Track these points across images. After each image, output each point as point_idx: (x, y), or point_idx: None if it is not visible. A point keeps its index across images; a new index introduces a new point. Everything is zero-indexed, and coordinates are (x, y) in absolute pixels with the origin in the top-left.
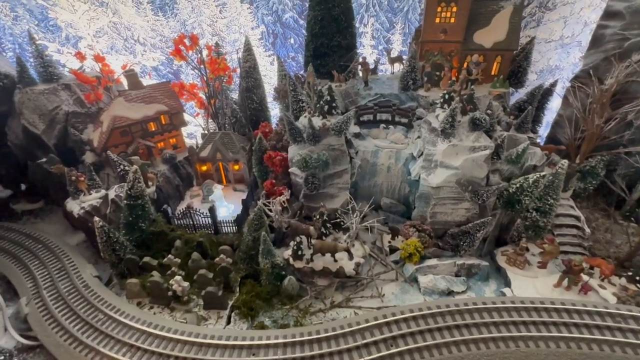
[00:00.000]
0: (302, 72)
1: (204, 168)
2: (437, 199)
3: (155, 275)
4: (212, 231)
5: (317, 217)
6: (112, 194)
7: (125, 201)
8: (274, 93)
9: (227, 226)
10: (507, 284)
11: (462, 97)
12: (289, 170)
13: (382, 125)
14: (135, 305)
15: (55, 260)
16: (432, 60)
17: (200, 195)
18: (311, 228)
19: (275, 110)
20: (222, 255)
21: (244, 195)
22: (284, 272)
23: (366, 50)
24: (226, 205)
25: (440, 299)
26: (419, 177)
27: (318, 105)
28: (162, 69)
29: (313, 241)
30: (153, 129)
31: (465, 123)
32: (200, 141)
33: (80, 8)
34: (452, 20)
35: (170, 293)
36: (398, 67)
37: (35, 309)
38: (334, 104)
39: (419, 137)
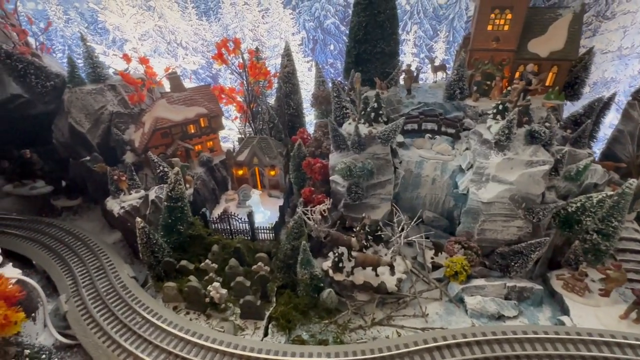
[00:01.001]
0: (339, 79)
1: (240, 172)
2: (487, 215)
3: (193, 281)
4: (249, 237)
5: (360, 228)
6: (152, 194)
7: (165, 203)
8: (312, 99)
9: (263, 233)
10: (565, 311)
11: (519, 108)
12: (330, 178)
13: (428, 135)
14: (171, 309)
15: (94, 259)
16: (482, 69)
17: (236, 200)
18: (353, 239)
19: (309, 117)
20: (259, 263)
21: (279, 202)
22: (322, 284)
23: (407, 58)
24: (262, 211)
25: (490, 323)
26: (468, 191)
27: (364, 112)
28: (201, 72)
29: (355, 253)
30: (192, 131)
31: (521, 136)
32: (234, 145)
33: (128, 12)
34: (506, 27)
35: (207, 300)
36: (441, 76)
37: (74, 307)
38: (380, 112)
39: (467, 148)
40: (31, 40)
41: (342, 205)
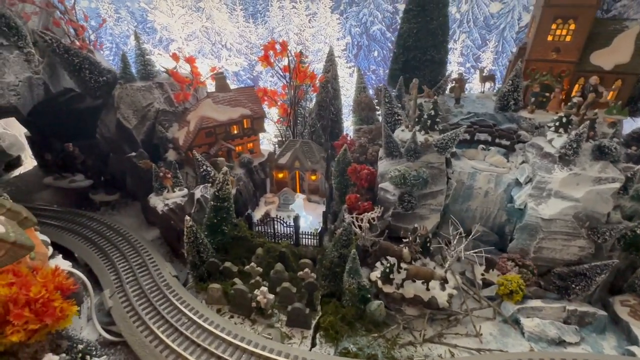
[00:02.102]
0: (380, 85)
1: (280, 175)
2: (547, 232)
3: (239, 283)
4: (293, 242)
5: (414, 239)
6: (197, 193)
7: (211, 202)
8: (354, 105)
9: (307, 238)
10: (632, 340)
11: (589, 122)
12: (380, 185)
13: (481, 146)
14: (215, 311)
15: (135, 255)
16: (540, 80)
17: (276, 203)
18: (405, 251)
19: (346, 122)
20: (306, 270)
21: (319, 206)
22: (369, 295)
23: (452, 66)
24: (304, 215)
25: (550, 349)
26: (525, 206)
27: (420, 119)
28: (242, 74)
29: (406, 265)
30: (235, 132)
31: (587, 151)
32: (275, 147)
33: (177, 12)
34: (568, 38)
35: (254, 304)
36: (488, 86)
37: (118, 303)
38: (437, 120)
39: (524, 161)
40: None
41: (390, 214)
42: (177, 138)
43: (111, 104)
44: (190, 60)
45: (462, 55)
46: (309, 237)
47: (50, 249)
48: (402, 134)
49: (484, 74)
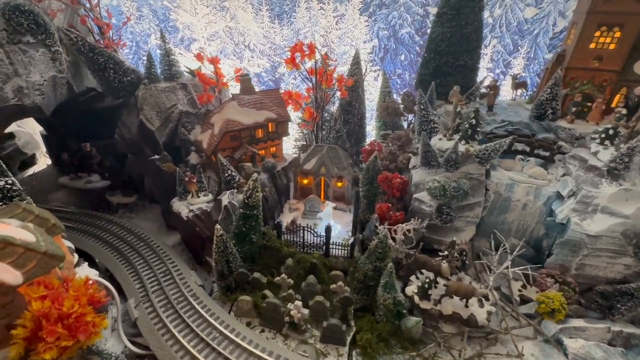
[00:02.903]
0: (407, 90)
1: (305, 181)
2: (591, 249)
3: (270, 296)
4: (323, 252)
5: (452, 253)
6: (225, 200)
7: (240, 210)
8: (380, 110)
9: (337, 249)
10: None
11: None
12: (414, 196)
13: (519, 156)
14: (244, 325)
15: (159, 262)
16: (581, 89)
17: (300, 210)
18: (444, 265)
19: (367, 127)
20: (340, 283)
21: (344, 215)
22: (404, 311)
23: (481, 72)
24: (332, 224)
25: None
26: (568, 221)
27: (458, 128)
28: (264, 75)
29: (446, 281)
30: (260, 136)
31: (636, 165)
32: (299, 153)
33: (201, 11)
34: (612, 46)
35: (286, 319)
36: (520, 94)
37: (144, 314)
38: (478, 129)
39: (565, 174)
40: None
41: (424, 225)
42: (200, 141)
43: (132, 105)
44: (214, 61)
45: (492, 61)
46: (340, 247)
47: (76, 257)
48: (439, 143)
49: (517, 81)
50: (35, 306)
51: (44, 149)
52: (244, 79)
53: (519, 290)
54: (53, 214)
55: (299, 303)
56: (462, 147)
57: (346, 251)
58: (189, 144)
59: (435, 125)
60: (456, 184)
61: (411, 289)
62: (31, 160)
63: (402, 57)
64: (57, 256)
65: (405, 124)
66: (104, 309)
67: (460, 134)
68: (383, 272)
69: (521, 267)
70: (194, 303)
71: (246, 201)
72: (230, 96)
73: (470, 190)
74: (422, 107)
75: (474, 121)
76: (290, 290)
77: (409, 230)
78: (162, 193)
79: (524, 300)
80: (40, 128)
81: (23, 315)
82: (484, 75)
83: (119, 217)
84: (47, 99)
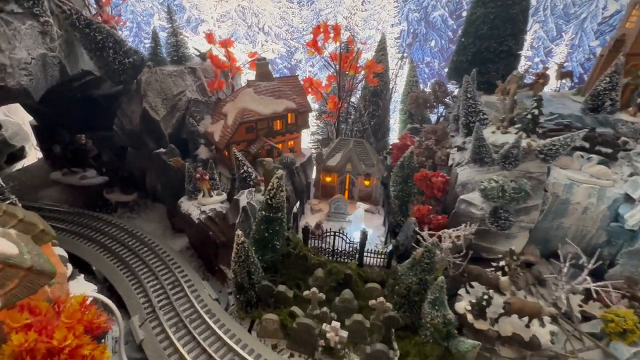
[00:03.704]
0: (435, 80)
1: (328, 179)
2: None
3: (300, 314)
4: (357, 262)
5: (514, 266)
6: (243, 200)
7: (262, 212)
8: (410, 101)
9: (372, 257)
10: None
11: None
12: (461, 197)
13: (579, 153)
14: (270, 347)
15: (166, 271)
16: None
17: (322, 211)
18: (503, 279)
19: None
20: (380, 299)
21: (373, 217)
22: (455, 331)
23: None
24: (363, 228)
25: None
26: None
27: (514, 120)
28: (278, 62)
29: (508, 298)
30: (278, 128)
31: None
32: (320, 147)
33: None
34: None
35: (321, 342)
36: (565, 84)
37: (152, 335)
38: (540, 121)
39: (633, 173)
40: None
41: (473, 232)
42: (211, 133)
43: (134, 91)
44: (227, 43)
45: (532, 48)
46: (376, 256)
47: (70, 268)
48: (492, 137)
49: (562, 70)
50: (16, 339)
51: (34, 141)
52: (261, 64)
53: (579, 306)
54: (42, 212)
55: (336, 324)
56: (523, 142)
57: (383, 260)
58: (197, 137)
59: (485, 116)
60: (516, 184)
61: (462, 306)
62: (20, 153)
63: (433, 44)
64: (45, 272)
65: (433, 118)
66: (104, 335)
67: (518, 126)
68: (430, 285)
69: (599, 284)
70: (210, 322)
71: (269, 202)
72: (243, 84)
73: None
74: (469, 95)
75: (536, 111)
76: (325, 308)
77: (457, 237)
78: (168, 191)
79: (585, 317)
80: (30, 118)
81: (0, 351)
82: (522, 64)
83: (118, 218)
84: (35, 80)
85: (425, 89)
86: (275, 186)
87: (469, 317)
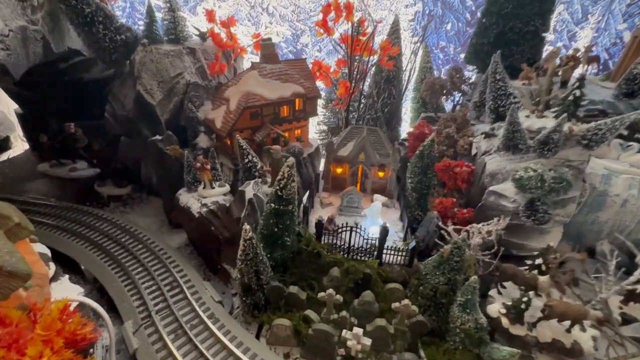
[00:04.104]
0: (451, 65)
1: (339, 170)
2: None
3: (315, 319)
4: (375, 260)
5: (560, 264)
6: (249, 192)
7: (271, 205)
8: (425, 87)
9: (392, 255)
10: None
11: None
12: (490, 188)
13: (618, 141)
14: (281, 357)
15: (163, 270)
16: None
17: (333, 205)
18: (542, 280)
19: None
20: (405, 302)
21: (388, 211)
22: (487, 336)
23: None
24: (380, 223)
25: None
26: None
27: (555, 102)
28: (283, 46)
29: (550, 300)
30: (285, 115)
31: None
32: (329, 136)
33: None
34: None
35: (341, 351)
36: (591, 69)
37: (146, 342)
38: (582, 103)
39: None
40: None
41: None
42: (212, 119)
43: (127, 73)
44: (230, 23)
45: (555, 32)
46: (397, 253)
47: (52, 267)
48: (527, 121)
49: (590, 54)
50: None
51: (20, 131)
52: (266, 44)
53: (619, 307)
54: (27, 206)
55: (358, 331)
56: (565, 126)
57: (404, 258)
58: (197, 124)
59: (516, 100)
60: (555, 172)
61: (496, 309)
62: (5, 144)
63: (449, 27)
64: (18, 274)
65: (447, 107)
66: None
67: (555, 110)
68: (459, 286)
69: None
70: (213, 327)
71: (279, 193)
72: (246, 68)
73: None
74: (498, 77)
75: (578, 92)
76: (345, 312)
77: (488, 233)
78: (165, 183)
79: (626, 320)
80: (15, 106)
81: None
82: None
83: (110, 213)
84: (14, 56)
85: (441, 76)
86: (285, 175)
87: (504, 321)
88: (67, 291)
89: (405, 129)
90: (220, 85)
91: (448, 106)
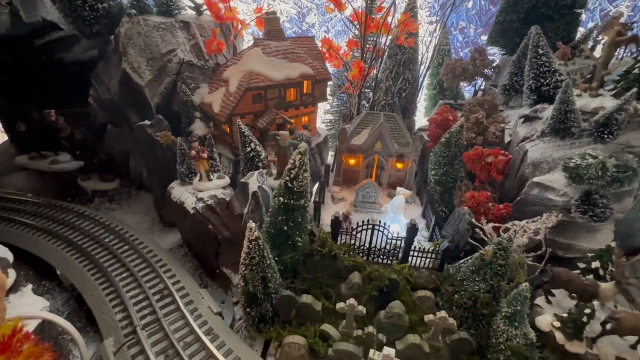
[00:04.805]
0: (475, 47)
1: (352, 161)
2: None
3: (335, 336)
4: (400, 263)
5: (613, 267)
6: (253, 184)
7: (280, 199)
8: (444, 71)
9: (420, 257)
10: None
11: None
12: (535, 180)
13: None
14: None
15: (152, 276)
16: None
17: (346, 200)
18: (605, 287)
19: None
20: (441, 313)
21: (408, 207)
22: (540, 353)
23: None
24: (401, 221)
25: None
26: None
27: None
28: (288, 26)
29: (616, 311)
30: (292, 99)
31: None
32: (340, 123)
33: None
34: None
35: None
36: (628, 51)
37: None
38: None
39: None
40: None
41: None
42: (209, 103)
43: (112, 50)
44: None
45: (586, 11)
46: (424, 255)
47: (12, 276)
48: (579, 101)
49: (629, 34)
50: None
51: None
52: (270, 18)
53: None
54: (2, 204)
55: (390, 351)
56: (631, 106)
57: (434, 261)
58: (192, 109)
59: (561, 77)
60: (616, 160)
61: (547, 321)
62: None
63: (470, 5)
64: None
65: (466, 93)
66: (63, 353)
67: (610, 88)
68: (502, 294)
69: None
70: (211, 347)
71: (289, 185)
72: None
73: None
74: (540, 51)
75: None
76: (371, 328)
77: (536, 231)
78: (155, 175)
79: None
80: None
81: None
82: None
83: (94, 210)
84: None
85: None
86: (297, 164)
87: (558, 336)
88: (29, 305)
89: (419, 118)
90: (218, 67)
91: (467, 93)
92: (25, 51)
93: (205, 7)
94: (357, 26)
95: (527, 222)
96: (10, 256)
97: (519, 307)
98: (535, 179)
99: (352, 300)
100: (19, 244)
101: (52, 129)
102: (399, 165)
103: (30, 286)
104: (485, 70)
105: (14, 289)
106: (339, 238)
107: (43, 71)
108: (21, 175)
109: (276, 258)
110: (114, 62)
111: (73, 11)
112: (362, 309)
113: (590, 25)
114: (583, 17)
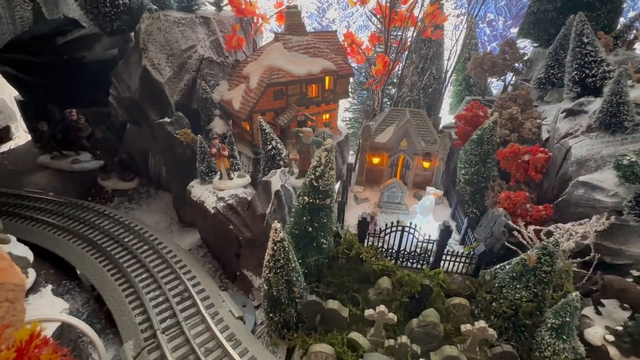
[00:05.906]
0: (506, 40)
1: (376, 160)
2: None
3: (365, 345)
4: (430, 268)
5: None
6: (275, 182)
7: (304, 198)
8: (471, 66)
9: (453, 262)
10: None
11: None
12: (581, 179)
13: None
14: None
15: (172, 277)
16: None
17: (370, 201)
18: None
19: None
20: (480, 323)
21: (436, 209)
22: None
23: None
24: (432, 222)
25: None
26: None
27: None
28: (307, 22)
29: None
30: (313, 95)
31: None
32: (367, 120)
33: None
34: None
35: None
36: None
37: None
38: None
39: None
40: None
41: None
42: (229, 100)
43: (132, 48)
44: None
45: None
46: (457, 260)
47: (32, 276)
48: (632, 92)
49: None
50: None
51: (23, 122)
52: (292, 12)
53: None
54: (21, 201)
55: None
56: None
57: (468, 266)
58: (211, 106)
59: (609, 68)
60: None
61: (599, 334)
62: (5, 135)
63: None
64: None
65: (495, 89)
66: (82, 357)
67: None
68: (547, 303)
69: None
70: (234, 353)
71: (315, 184)
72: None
73: None
74: (585, 39)
75: None
76: (405, 338)
77: (584, 236)
78: (174, 174)
79: None
80: (16, 93)
81: None
82: None
83: (113, 209)
84: None
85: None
86: (323, 162)
87: (612, 351)
88: (48, 306)
89: (444, 115)
90: (238, 63)
91: (494, 89)
92: (48, 51)
93: (225, 1)
94: (381, 19)
95: (572, 225)
96: (30, 255)
97: (567, 319)
98: (581, 178)
99: (382, 307)
100: (40, 242)
101: (74, 128)
102: (426, 164)
103: (50, 287)
104: (516, 64)
105: (33, 289)
106: (365, 240)
107: (65, 71)
108: (43, 175)
109: (300, 261)
110: (135, 60)
111: (94, 7)
112: (393, 316)
113: (631, 14)
114: (624, 5)
